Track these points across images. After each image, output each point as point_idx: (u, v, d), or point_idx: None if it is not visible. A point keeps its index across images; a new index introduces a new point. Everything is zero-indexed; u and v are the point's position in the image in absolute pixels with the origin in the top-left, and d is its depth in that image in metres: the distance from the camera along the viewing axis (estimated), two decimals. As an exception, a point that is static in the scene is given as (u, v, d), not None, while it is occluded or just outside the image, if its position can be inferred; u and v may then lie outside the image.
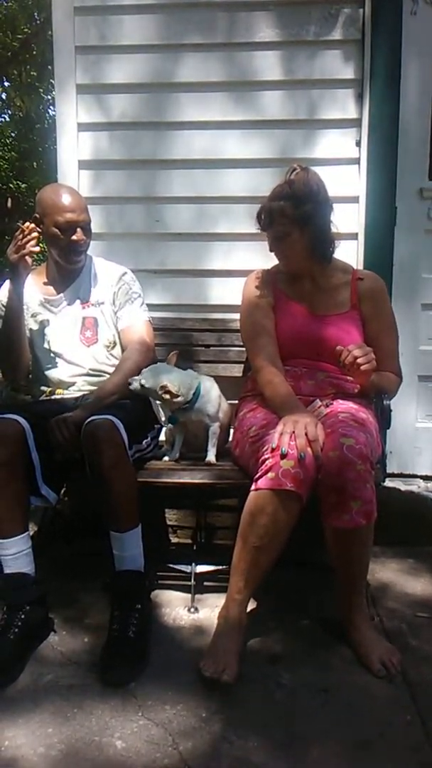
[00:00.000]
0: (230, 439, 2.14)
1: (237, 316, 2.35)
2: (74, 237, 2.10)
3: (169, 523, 2.59)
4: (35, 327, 2.19)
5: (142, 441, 2.05)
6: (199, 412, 2.09)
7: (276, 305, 2.10)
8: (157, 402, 2.11)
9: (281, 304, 2.09)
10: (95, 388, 2.11)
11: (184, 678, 1.69)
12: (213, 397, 2.12)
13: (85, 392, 2.13)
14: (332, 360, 1.96)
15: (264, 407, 1.95)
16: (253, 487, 1.71)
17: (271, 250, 2.06)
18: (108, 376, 2.16)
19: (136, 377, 2.01)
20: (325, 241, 2.01)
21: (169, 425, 2.17)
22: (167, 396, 1.99)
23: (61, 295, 2.20)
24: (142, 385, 2.00)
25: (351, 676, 1.72)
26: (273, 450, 1.69)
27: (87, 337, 2.18)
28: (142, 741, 1.47)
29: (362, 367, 1.83)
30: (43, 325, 2.19)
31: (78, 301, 2.20)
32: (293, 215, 1.95)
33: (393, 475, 2.56)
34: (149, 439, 2.11)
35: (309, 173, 1.99)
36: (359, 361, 1.82)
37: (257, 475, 1.71)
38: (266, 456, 1.70)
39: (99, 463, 1.79)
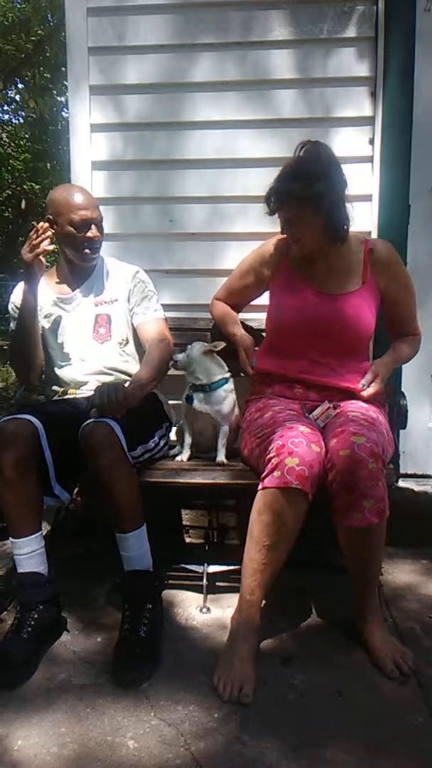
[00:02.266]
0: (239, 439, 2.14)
1: (250, 315, 2.36)
2: (89, 234, 2.11)
3: (181, 523, 2.59)
4: (49, 326, 2.20)
5: (149, 441, 2.04)
6: (214, 403, 2.10)
7: (277, 281, 2.11)
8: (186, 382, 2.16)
9: (289, 282, 2.07)
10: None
11: (196, 678, 1.69)
12: (230, 399, 2.14)
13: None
14: (339, 343, 1.98)
15: (271, 407, 1.95)
16: (260, 486, 1.72)
17: (283, 233, 2.03)
18: (120, 374, 2.17)
19: (180, 353, 2.15)
20: (340, 221, 1.91)
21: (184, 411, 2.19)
22: (217, 348, 2.12)
23: (75, 292, 2.21)
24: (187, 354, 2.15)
25: (364, 677, 1.71)
26: (279, 448, 1.69)
27: (100, 334, 2.19)
28: (154, 741, 1.47)
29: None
30: (56, 323, 2.20)
31: (91, 299, 2.21)
32: (305, 196, 1.86)
33: (406, 476, 2.54)
34: (157, 438, 2.10)
35: (320, 147, 1.93)
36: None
37: (264, 474, 1.71)
38: (272, 455, 1.71)
39: (97, 466, 1.80)
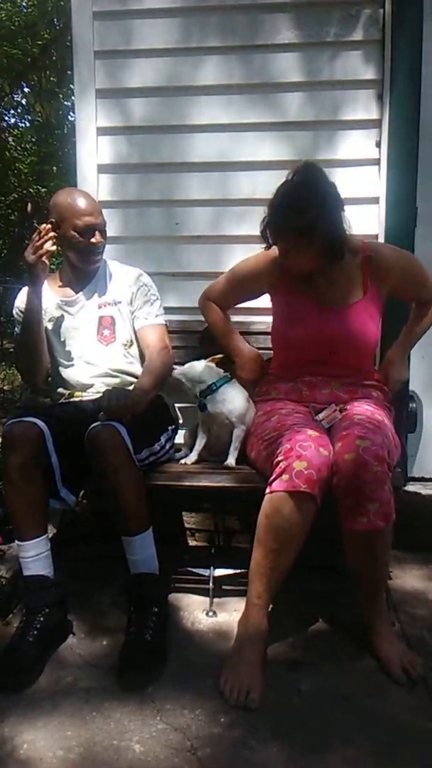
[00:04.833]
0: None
1: (255, 318, 2.35)
2: (93, 240, 2.12)
3: (187, 526, 2.59)
4: (53, 329, 2.20)
5: (154, 444, 2.04)
6: (226, 402, 2.10)
7: (278, 297, 2.10)
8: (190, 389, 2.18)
9: (290, 298, 2.06)
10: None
11: (203, 683, 1.68)
12: (240, 397, 2.13)
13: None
14: (347, 356, 1.98)
15: (278, 411, 1.95)
16: (267, 489, 1.71)
17: (281, 259, 2.00)
18: (126, 376, 2.18)
19: (182, 368, 2.16)
20: (337, 242, 1.88)
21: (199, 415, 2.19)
22: (212, 363, 2.16)
23: (78, 295, 2.22)
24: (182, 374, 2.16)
25: (371, 682, 1.70)
26: (287, 451, 1.68)
27: (105, 336, 2.19)
28: (160, 746, 1.47)
29: None
30: (61, 326, 2.20)
31: (95, 301, 2.21)
32: (299, 229, 1.85)
33: (414, 479, 2.53)
34: (163, 441, 2.10)
35: (309, 173, 1.89)
36: None
37: (271, 478, 1.71)
38: (280, 458, 1.70)
39: (103, 469, 1.80)
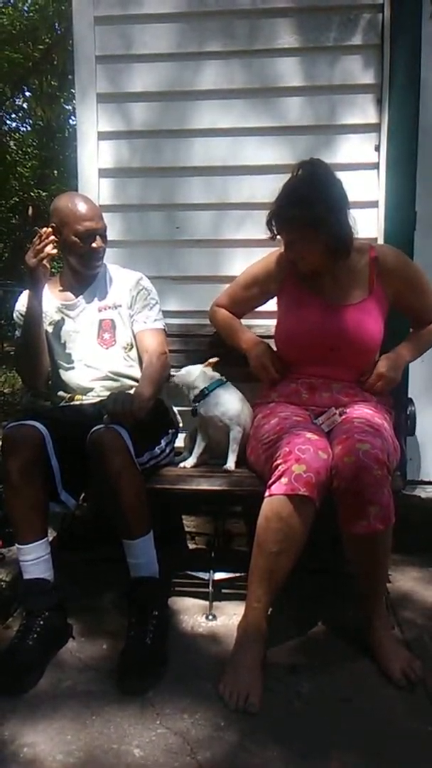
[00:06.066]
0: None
1: (256, 321, 2.36)
2: (94, 244, 2.12)
3: (186, 529, 2.59)
4: (54, 333, 2.21)
5: (154, 447, 2.05)
6: (218, 405, 2.11)
7: (285, 294, 2.12)
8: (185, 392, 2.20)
9: (297, 295, 2.07)
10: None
11: (202, 686, 1.68)
12: (232, 399, 2.13)
13: (103, 398, 2.13)
14: (348, 354, 1.98)
15: (278, 414, 1.95)
16: (267, 493, 1.71)
17: (286, 253, 2.03)
18: (126, 379, 2.18)
19: (179, 372, 2.19)
20: (343, 238, 1.91)
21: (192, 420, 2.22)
22: (208, 367, 2.17)
23: (78, 299, 2.22)
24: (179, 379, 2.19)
25: (371, 685, 1.70)
26: (286, 455, 1.68)
27: (105, 339, 2.20)
28: (160, 750, 1.47)
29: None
30: (61, 330, 2.21)
31: (95, 305, 2.22)
32: (305, 221, 1.88)
33: (413, 482, 2.53)
34: (163, 444, 2.11)
35: (316, 168, 1.93)
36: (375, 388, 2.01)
37: (270, 481, 1.71)
38: (278, 461, 1.71)
39: (105, 472, 1.80)
